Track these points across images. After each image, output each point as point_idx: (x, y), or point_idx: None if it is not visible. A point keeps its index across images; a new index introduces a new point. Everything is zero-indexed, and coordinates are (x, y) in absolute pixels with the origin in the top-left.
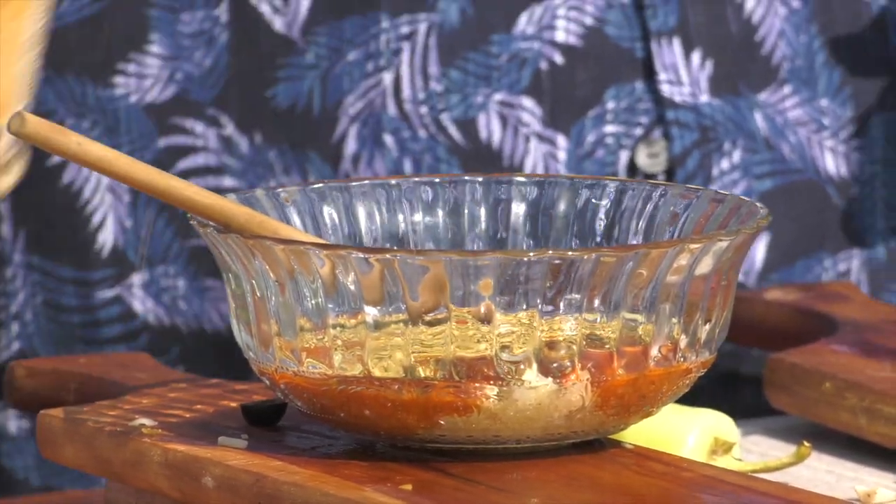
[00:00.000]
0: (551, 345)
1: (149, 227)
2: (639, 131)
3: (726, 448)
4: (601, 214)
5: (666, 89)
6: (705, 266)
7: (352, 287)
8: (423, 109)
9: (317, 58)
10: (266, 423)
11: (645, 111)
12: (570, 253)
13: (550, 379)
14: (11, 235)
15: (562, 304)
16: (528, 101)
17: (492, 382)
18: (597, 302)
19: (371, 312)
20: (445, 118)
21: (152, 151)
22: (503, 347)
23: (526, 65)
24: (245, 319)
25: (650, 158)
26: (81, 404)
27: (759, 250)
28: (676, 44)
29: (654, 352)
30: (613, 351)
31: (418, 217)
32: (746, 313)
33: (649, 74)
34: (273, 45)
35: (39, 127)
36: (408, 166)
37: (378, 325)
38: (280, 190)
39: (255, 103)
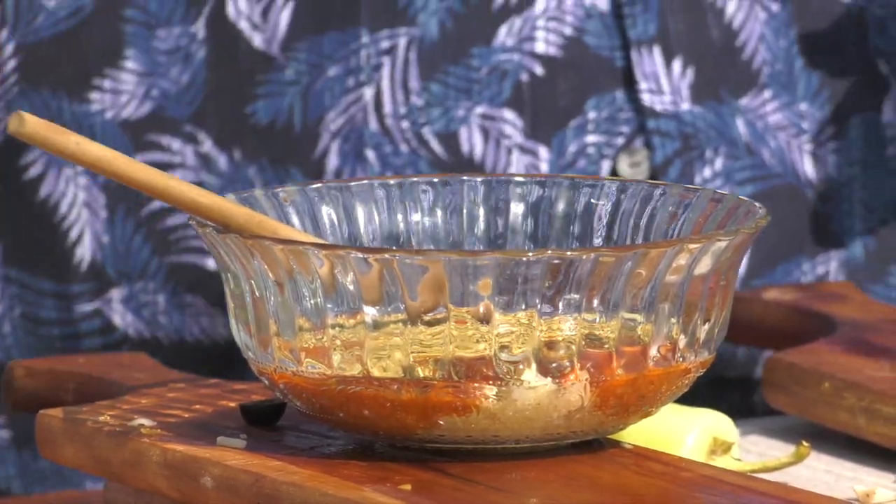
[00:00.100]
0: (550, 345)
1: None
2: (620, 141)
3: (725, 448)
4: (600, 214)
5: (647, 98)
6: (704, 266)
7: (351, 287)
8: (405, 124)
9: (297, 74)
10: (265, 422)
11: (626, 120)
12: (569, 253)
13: (549, 379)
14: None
15: (561, 304)
16: (509, 114)
17: (491, 382)
18: (596, 302)
19: (370, 312)
20: (427, 132)
21: None
22: (502, 347)
23: (506, 77)
24: (244, 319)
25: (632, 168)
26: (80, 404)
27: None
28: (657, 52)
29: (653, 352)
30: (612, 351)
31: (418, 217)
32: (745, 313)
33: (630, 83)
34: (252, 62)
35: (38, 127)
36: None
37: (377, 325)
38: (279, 190)
39: (235, 120)
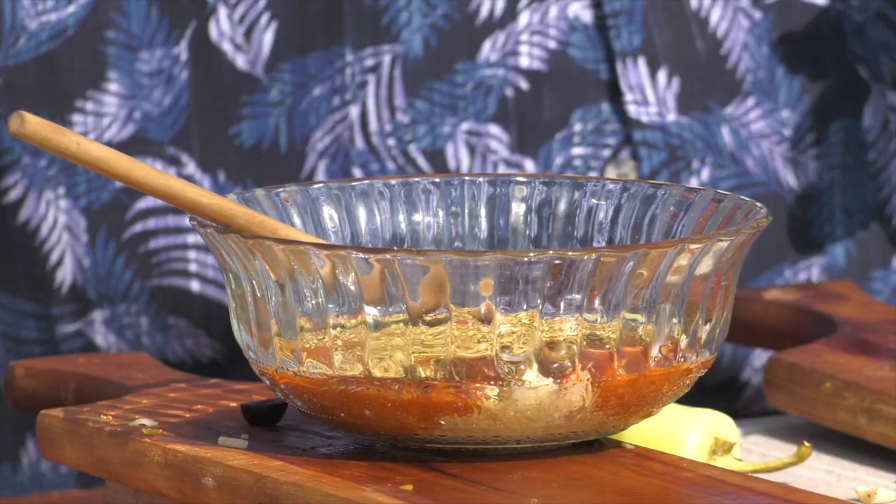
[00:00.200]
0: (552, 345)
1: None
2: (607, 153)
3: (726, 448)
4: (602, 214)
5: (633, 110)
6: (705, 266)
7: (352, 287)
8: (391, 141)
9: (281, 94)
10: (266, 422)
11: (612, 132)
12: (570, 253)
13: (551, 379)
14: None
15: (562, 305)
16: (495, 129)
17: (492, 383)
18: (597, 302)
19: (371, 312)
20: (413, 149)
21: (110, 191)
22: (503, 348)
23: (491, 92)
24: (245, 319)
25: None
26: (80, 404)
27: None
28: (642, 63)
29: (654, 352)
30: (614, 351)
31: (419, 217)
32: (746, 313)
33: (615, 95)
34: (236, 83)
35: (39, 127)
36: None
37: (378, 326)
38: (280, 190)
39: (219, 142)
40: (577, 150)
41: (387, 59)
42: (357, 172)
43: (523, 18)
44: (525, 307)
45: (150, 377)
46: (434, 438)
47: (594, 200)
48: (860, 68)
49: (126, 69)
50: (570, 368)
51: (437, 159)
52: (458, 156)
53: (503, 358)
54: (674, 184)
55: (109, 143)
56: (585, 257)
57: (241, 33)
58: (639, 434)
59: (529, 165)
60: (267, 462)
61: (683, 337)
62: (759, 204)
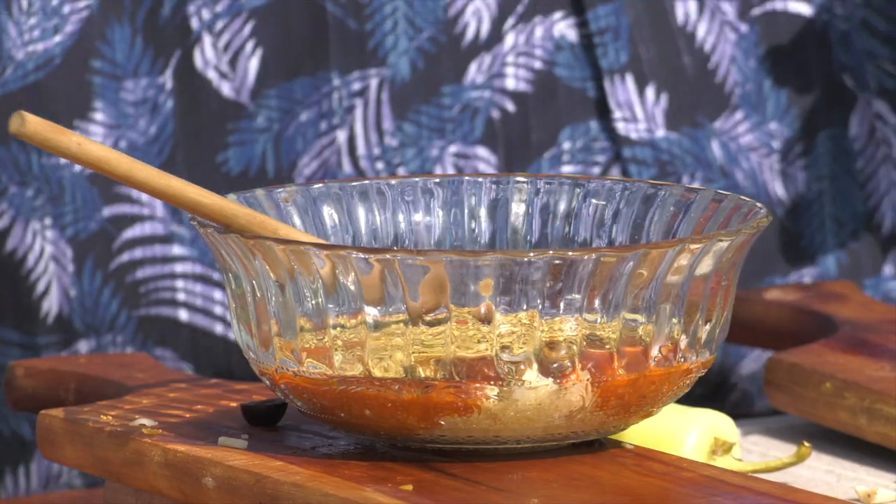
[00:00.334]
0: (552, 345)
1: None
2: (596, 170)
3: (726, 448)
4: (602, 214)
5: (621, 127)
6: (705, 266)
7: (352, 287)
8: (380, 165)
9: (268, 120)
10: (266, 422)
11: (602, 150)
12: (570, 253)
13: (551, 379)
14: None
15: (562, 305)
16: (482, 151)
17: (492, 383)
18: (597, 302)
19: (371, 313)
20: (402, 173)
21: (97, 220)
22: (503, 348)
23: (478, 114)
24: (245, 319)
25: None
26: (81, 404)
27: None
28: (629, 80)
29: (654, 352)
30: (614, 351)
31: (418, 217)
32: (746, 313)
33: (604, 113)
34: (221, 110)
35: (39, 127)
36: None
37: (378, 326)
38: (280, 190)
39: (206, 169)
40: (567, 168)
41: (374, 82)
42: None
43: (509, 40)
44: (525, 307)
45: (151, 377)
46: (434, 438)
47: (594, 200)
48: (846, 77)
49: (111, 98)
50: (570, 368)
51: None
52: None
53: (503, 358)
54: (674, 184)
55: (96, 173)
56: (585, 257)
57: (225, 61)
58: (639, 434)
59: None
60: (267, 462)
61: (683, 337)
62: (759, 204)
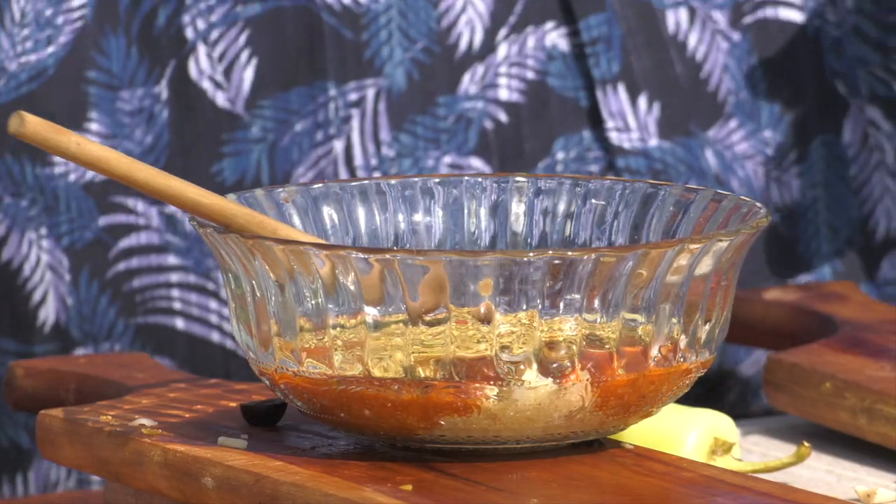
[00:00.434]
0: (551, 345)
1: None
2: None
3: (726, 448)
4: (602, 214)
5: (614, 136)
6: (705, 266)
7: (352, 287)
8: (376, 175)
9: (263, 131)
10: (266, 422)
11: (595, 159)
12: (570, 253)
13: (550, 379)
14: None
15: (562, 305)
16: (476, 162)
17: (492, 383)
18: (597, 302)
19: (371, 313)
20: None
21: (93, 230)
22: (503, 348)
23: (471, 125)
24: (245, 319)
25: None
26: (81, 404)
27: None
28: (622, 90)
29: (653, 352)
30: (613, 351)
31: (418, 217)
32: (746, 313)
33: (597, 123)
34: (217, 121)
35: (38, 127)
36: None
37: (378, 326)
38: (280, 190)
39: (201, 179)
40: None
41: (371, 92)
42: None
43: (502, 50)
44: (525, 307)
45: (151, 377)
46: (434, 438)
47: (594, 200)
48: (838, 84)
49: (107, 109)
50: (570, 368)
51: None
52: None
53: (503, 358)
54: (674, 184)
55: (91, 183)
56: (585, 257)
57: (220, 71)
58: (638, 434)
59: None
60: (267, 462)
61: (683, 337)
62: (758, 204)
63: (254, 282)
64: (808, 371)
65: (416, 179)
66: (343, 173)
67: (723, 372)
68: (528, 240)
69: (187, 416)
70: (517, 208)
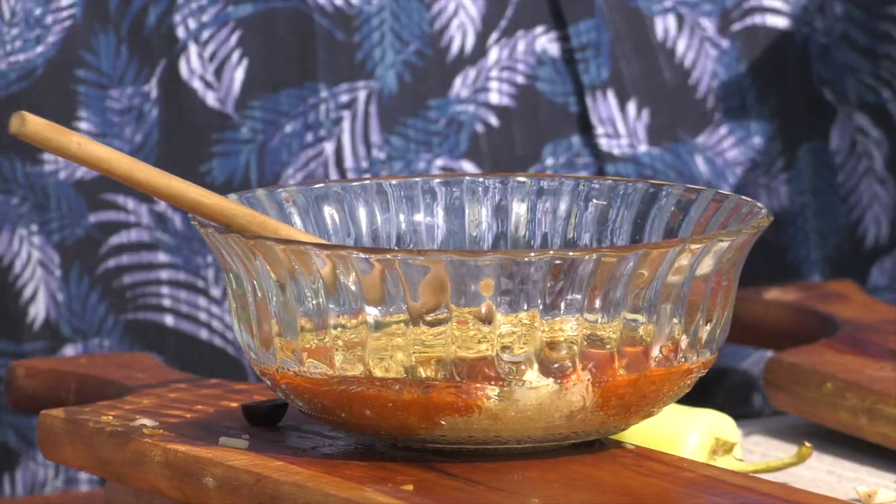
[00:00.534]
0: (552, 345)
1: None
2: None
3: (727, 448)
4: (602, 214)
5: (604, 142)
6: (706, 266)
7: (353, 287)
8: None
9: (252, 132)
10: (266, 423)
11: (584, 165)
12: (571, 253)
13: (551, 379)
14: None
15: (563, 305)
16: (468, 165)
17: (493, 383)
18: (598, 302)
19: (372, 313)
20: None
21: (83, 227)
22: (504, 348)
23: (463, 128)
24: (246, 319)
25: None
26: (81, 404)
27: None
28: (611, 96)
29: (655, 352)
30: (614, 351)
31: (418, 217)
32: (746, 313)
33: (586, 128)
34: (206, 121)
35: (39, 127)
36: None
37: (379, 326)
38: (280, 190)
39: (189, 179)
40: None
41: (362, 94)
42: None
43: (493, 54)
44: (526, 307)
45: (151, 377)
46: (435, 438)
47: (595, 200)
48: (826, 91)
49: (97, 107)
50: (571, 368)
51: None
52: None
53: (504, 358)
54: (674, 184)
55: (81, 181)
56: (586, 257)
57: (211, 70)
58: (639, 434)
59: None
60: (267, 462)
61: (684, 337)
62: (759, 204)
63: (255, 282)
64: (808, 371)
65: (417, 180)
66: (333, 175)
67: (723, 372)
68: (529, 240)
69: (188, 416)
70: (519, 208)
